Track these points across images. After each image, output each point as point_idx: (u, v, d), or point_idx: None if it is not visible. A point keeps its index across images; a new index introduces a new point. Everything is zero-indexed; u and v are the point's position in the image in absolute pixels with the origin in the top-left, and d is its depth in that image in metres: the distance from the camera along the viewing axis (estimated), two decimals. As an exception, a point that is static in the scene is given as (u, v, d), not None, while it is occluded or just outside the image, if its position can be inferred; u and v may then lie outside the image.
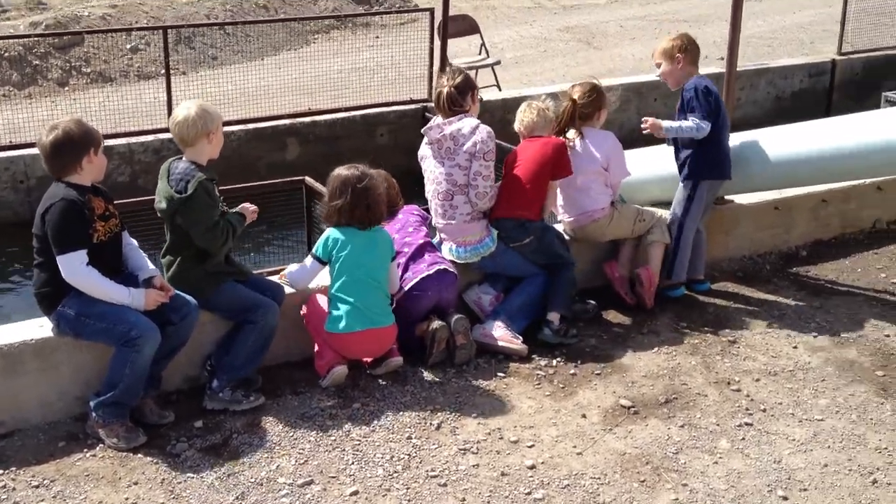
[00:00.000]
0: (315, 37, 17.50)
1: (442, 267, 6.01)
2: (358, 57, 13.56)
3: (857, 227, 8.02)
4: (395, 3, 20.15)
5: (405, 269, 5.95)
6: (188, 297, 5.29)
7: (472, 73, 12.43)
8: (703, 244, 6.87)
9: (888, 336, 6.30)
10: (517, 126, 6.54)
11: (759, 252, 7.55)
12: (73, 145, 5.00)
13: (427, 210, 6.47)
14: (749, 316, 6.61)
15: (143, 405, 5.25)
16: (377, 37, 17.13)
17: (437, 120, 6.29)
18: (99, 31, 14.35)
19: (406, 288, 5.91)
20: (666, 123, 6.55)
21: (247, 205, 5.73)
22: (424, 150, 6.34)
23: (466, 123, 6.17)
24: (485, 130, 6.15)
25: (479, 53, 13.54)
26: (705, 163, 6.58)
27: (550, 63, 15.38)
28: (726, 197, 7.33)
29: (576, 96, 6.55)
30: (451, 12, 12.88)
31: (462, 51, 14.28)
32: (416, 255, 6.02)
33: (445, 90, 6.24)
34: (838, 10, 14.03)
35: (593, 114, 6.60)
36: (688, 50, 6.60)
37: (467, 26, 13.59)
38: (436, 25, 11.82)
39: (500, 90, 12.75)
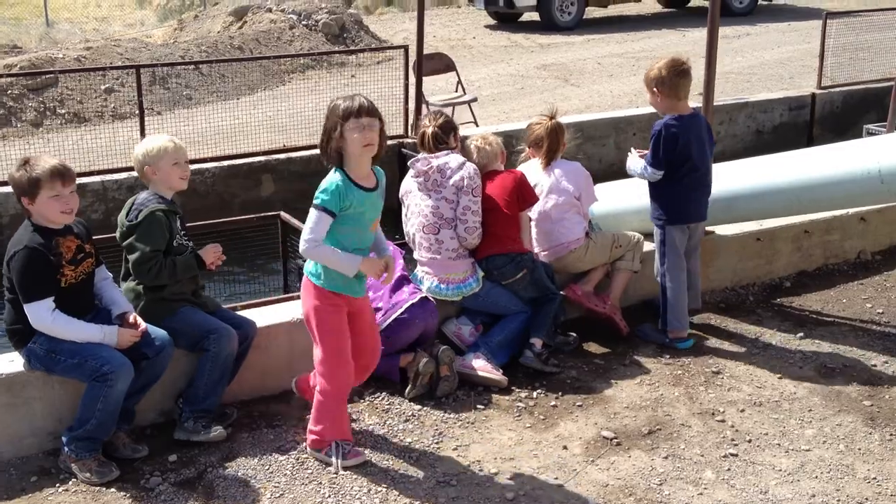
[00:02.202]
0: (291, 76, 17.44)
1: (423, 295, 5.94)
2: (334, 95, 13.50)
3: (840, 258, 7.96)
4: (370, 42, 20.16)
5: (384, 300, 5.86)
6: (163, 331, 5.18)
7: (448, 110, 12.51)
8: (695, 282, 6.65)
9: (874, 366, 6.22)
10: None
11: (742, 283, 7.48)
12: (14, 189, 4.97)
13: (401, 245, 6.39)
14: (732, 346, 6.52)
15: (116, 439, 5.12)
16: (353, 76, 17.10)
17: (423, 154, 6.21)
18: (72, 71, 14.22)
19: (393, 317, 5.80)
20: (628, 162, 6.49)
21: (210, 246, 5.54)
22: (409, 185, 6.24)
23: (453, 159, 6.11)
24: (471, 167, 6.10)
25: (456, 91, 13.53)
26: (664, 208, 6.41)
27: (528, 100, 15.36)
28: (707, 228, 7.25)
29: (543, 132, 6.51)
30: (427, 51, 12.88)
31: (439, 88, 14.26)
32: (395, 287, 5.92)
33: (430, 130, 6.18)
34: (817, 45, 14.14)
35: (559, 148, 6.56)
36: (664, 83, 6.29)
37: (443, 65, 13.60)
38: (411, 64, 11.81)
39: (476, 126, 12.71)
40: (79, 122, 14.16)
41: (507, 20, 23.78)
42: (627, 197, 7.18)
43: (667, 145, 6.21)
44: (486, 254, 6.17)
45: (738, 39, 20.97)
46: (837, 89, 14.03)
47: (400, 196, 6.30)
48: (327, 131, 4.86)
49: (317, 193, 4.87)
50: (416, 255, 6.24)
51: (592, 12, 24.36)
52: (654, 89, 6.32)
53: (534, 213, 6.47)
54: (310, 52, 17.90)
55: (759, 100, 13.62)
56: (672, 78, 6.26)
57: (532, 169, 6.58)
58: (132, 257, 5.20)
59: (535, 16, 23.11)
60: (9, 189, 5.67)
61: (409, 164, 6.22)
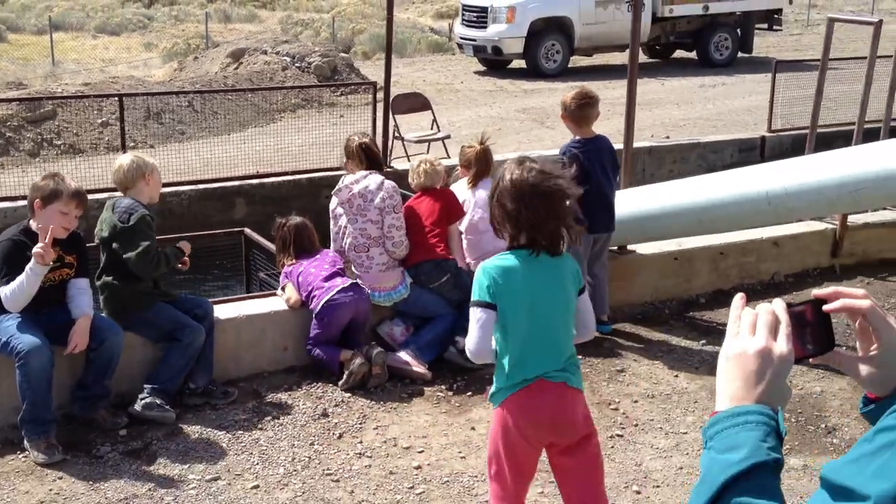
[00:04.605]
0: (281, 115, 18.28)
1: (354, 281, 6.71)
2: (321, 132, 14.26)
3: (756, 279, 8.64)
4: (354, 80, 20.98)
5: (318, 288, 6.57)
6: (112, 323, 5.94)
7: (424, 146, 13.31)
8: (602, 288, 7.46)
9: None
10: (412, 183, 7.24)
11: (661, 299, 8.17)
12: (32, 192, 5.77)
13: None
14: (640, 351, 7.22)
15: (98, 417, 5.86)
16: (342, 115, 17.91)
17: (345, 181, 6.95)
18: (58, 98, 15.22)
19: (324, 300, 6.52)
20: None
21: (183, 242, 6.42)
22: (337, 209, 7.00)
23: (372, 181, 6.87)
24: (390, 185, 6.87)
25: (432, 128, 14.33)
26: None
27: (504, 140, 16.11)
28: (629, 247, 8.00)
29: (472, 155, 7.32)
30: (406, 90, 13.68)
31: (421, 127, 15.03)
32: (329, 277, 6.64)
33: (358, 142, 6.99)
34: (786, 95, 14.86)
35: (487, 170, 7.33)
36: (568, 111, 7.14)
37: (419, 104, 14.43)
38: (390, 101, 12.63)
39: (449, 158, 13.47)
40: (74, 152, 14.98)
41: (495, 66, 24.60)
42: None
43: (570, 165, 7.00)
44: (414, 261, 6.92)
45: (713, 88, 21.77)
46: (787, 132, 14.69)
47: (331, 212, 7.05)
48: None
49: None
50: (352, 269, 6.98)
51: (578, 61, 25.18)
52: (563, 114, 7.22)
53: (463, 225, 7.23)
54: (283, 87, 18.84)
55: (710, 140, 14.38)
56: (576, 108, 7.13)
57: (460, 187, 7.36)
58: (135, 253, 5.94)
59: (523, 63, 23.92)
60: (6, 205, 6.42)
61: (332, 193, 6.97)
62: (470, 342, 3.86)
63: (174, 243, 6.50)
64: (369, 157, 7.01)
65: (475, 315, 3.82)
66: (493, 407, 4.01)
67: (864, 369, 1.82)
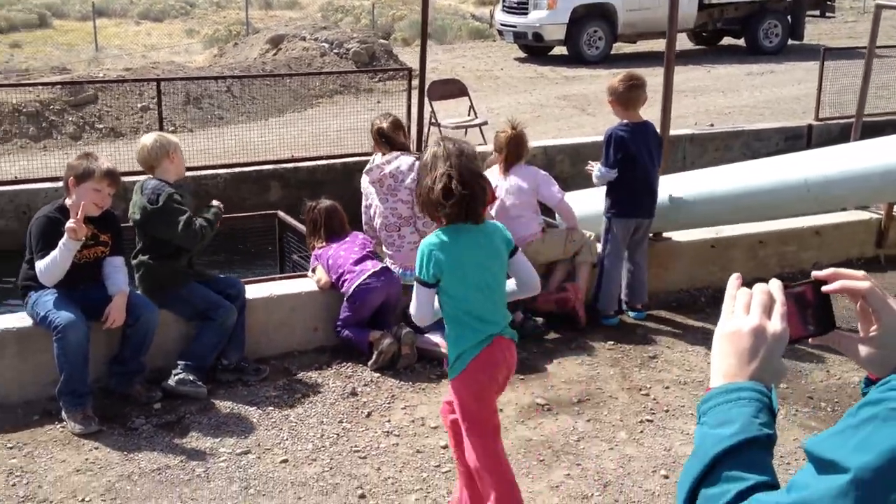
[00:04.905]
0: (319, 101, 18.32)
1: (385, 265, 6.74)
2: (357, 118, 14.29)
3: (796, 268, 8.54)
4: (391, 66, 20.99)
5: (349, 272, 6.59)
6: (147, 301, 6.01)
7: (461, 133, 13.31)
8: (641, 275, 7.43)
9: (800, 357, 6.81)
10: None
11: (696, 286, 8.13)
12: (68, 171, 5.85)
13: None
14: (674, 338, 7.18)
15: (134, 392, 5.96)
16: (379, 101, 17.92)
17: (375, 160, 6.97)
18: (98, 82, 15.32)
19: (355, 284, 6.55)
20: (592, 172, 7.23)
21: (214, 201, 6.50)
22: (368, 188, 7.03)
23: (403, 161, 6.88)
24: None
25: (468, 115, 14.32)
26: (612, 204, 7.22)
27: (543, 127, 16.06)
28: (665, 234, 7.96)
29: (504, 140, 7.30)
30: (444, 76, 13.68)
31: (459, 113, 15.02)
32: (359, 260, 6.67)
33: (379, 125, 7.01)
34: (836, 83, 14.68)
35: (518, 155, 7.33)
36: (617, 94, 7.14)
37: (456, 90, 14.42)
38: (426, 87, 12.63)
39: (485, 144, 13.46)
40: (114, 136, 15.11)
41: (536, 53, 24.52)
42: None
43: (616, 148, 6.98)
44: None
45: (761, 76, 21.55)
46: (834, 121, 14.43)
47: (362, 191, 7.07)
48: None
49: None
50: (383, 248, 7.00)
51: (621, 48, 25.03)
52: (610, 99, 7.13)
53: (494, 211, 7.22)
54: (320, 72, 18.86)
55: (754, 129, 14.19)
56: (625, 91, 7.10)
57: (493, 172, 7.34)
58: (175, 230, 6.02)
59: (564, 49, 23.81)
60: (40, 186, 6.52)
61: (364, 171, 6.99)
62: (412, 310, 4.33)
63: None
64: (388, 140, 7.01)
65: (417, 288, 4.25)
66: (453, 377, 4.32)
67: (863, 350, 1.83)
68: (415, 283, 4.26)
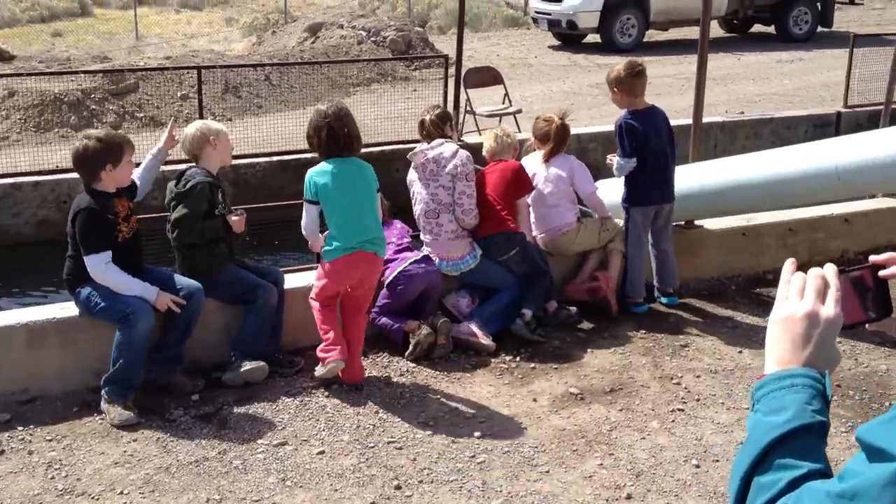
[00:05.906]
0: (356, 89, 18.44)
1: (426, 254, 6.86)
2: (394, 107, 14.40)
3: (825, 256, 8.53)
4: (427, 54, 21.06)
5: (389, 259, 6.70)
6: (194, 283, 6.12)
7: (495, 121, 13.37)
8: (669, 260, 7.49)
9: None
10: (484, 149, 7.34)
11: (727, 275, 8.17)
12: (89, 160, 5.88)
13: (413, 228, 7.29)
14: (705, 326, 7.25)
15: (175, 381, 6.09)
16: (415, 90, 18.01)
17: (420, 147, 7.07)
18: (139, 70, 15.51)
19: (398, 270, 6.67)
20: (613, 165, 7.29)
21: (236, 217, 6.43)
22: (412, 175, 7.12)
23: (447, 148, 6.96)
24: (464, 154, 6.93)
25: (503, 102, 14.36)
26: (628, 193, 7.30)
27: (575, 115, 15.92)
28: (696, 222, 8.01)
29: (551, 130, 7.35)
30: (478, 64, 13.72)
31: (493, 101, 15.06)
32: (399, 251, 6.80)
33: (428, 118, 7.07)
34: (865, 70, 14.57)
35: (563, 146, 7.40)
36: (622, 82, 7.15)
37: (490, 77, 14.45)
38: (462, 75, 12.71)
39: (520, 132, 13.52)
40: (154, 125, 15.27)
41: (570, 41, 24.49)
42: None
43: (629, 136, 7.04)
44: (484, 233, 7.00)
45: (791, 64, 21.45)
46: (863, 108, 14.32)
47: (408, 185, 7.17)
48: None
49: None
50: (421, 237, 7.10)
51: (653, 35, 24.96)
52: (614, 89, 7.20)
53: (531, 199, 7.30)
54: (356, 60, 18.98)
55: (783, 116, 14.16)
56: (630, 78, 7.15)
57: (533, 161, 7.42)
58: (174, 215, 6.15)
59: (597, 37, 23.78)
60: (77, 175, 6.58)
61: (408, 156, 7.09)
62: (302, 225, 6.21)
63: (251, 214, 6.64)
64: (430, 134, 7.10)
65: (306, 208, 6.14)
66: (323, 260, 6.19)
67: None
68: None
